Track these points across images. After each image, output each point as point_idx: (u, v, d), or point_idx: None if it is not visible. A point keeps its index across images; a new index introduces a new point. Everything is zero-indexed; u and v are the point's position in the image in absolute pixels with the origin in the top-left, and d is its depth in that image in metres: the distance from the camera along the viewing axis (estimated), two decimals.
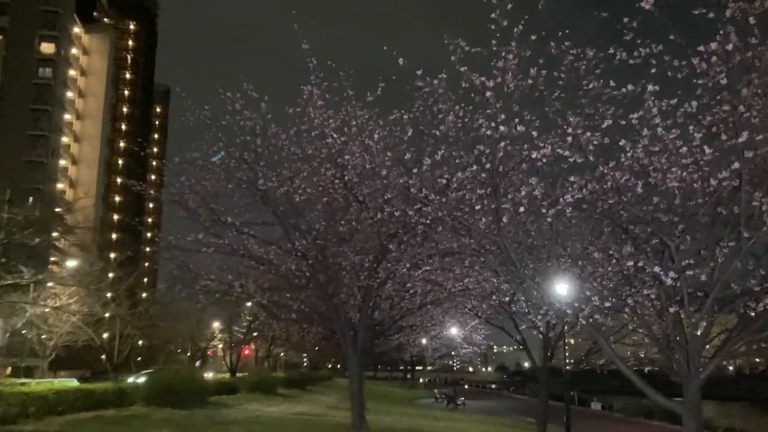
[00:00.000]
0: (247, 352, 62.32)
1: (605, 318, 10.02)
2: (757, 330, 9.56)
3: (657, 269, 8.38)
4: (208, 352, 60.74)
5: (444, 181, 10.25)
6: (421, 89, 10.17)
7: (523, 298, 21.11)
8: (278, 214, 14.84)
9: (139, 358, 51.99)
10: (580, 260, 10.35)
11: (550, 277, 10.60)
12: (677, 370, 10.81)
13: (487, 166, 9.74)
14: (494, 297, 11.98)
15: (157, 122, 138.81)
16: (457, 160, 10.02)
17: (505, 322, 21.96)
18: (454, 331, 40.45)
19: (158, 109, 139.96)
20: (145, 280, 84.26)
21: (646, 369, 39.83)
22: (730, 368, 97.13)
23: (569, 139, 8.34)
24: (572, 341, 32.64)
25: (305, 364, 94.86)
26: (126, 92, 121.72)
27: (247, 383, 30.53)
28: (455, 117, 9.73)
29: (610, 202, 8.87)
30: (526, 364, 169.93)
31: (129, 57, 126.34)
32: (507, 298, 20.69)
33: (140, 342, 44.96)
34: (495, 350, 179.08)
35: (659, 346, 11.60)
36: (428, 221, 11.35)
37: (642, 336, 14.23)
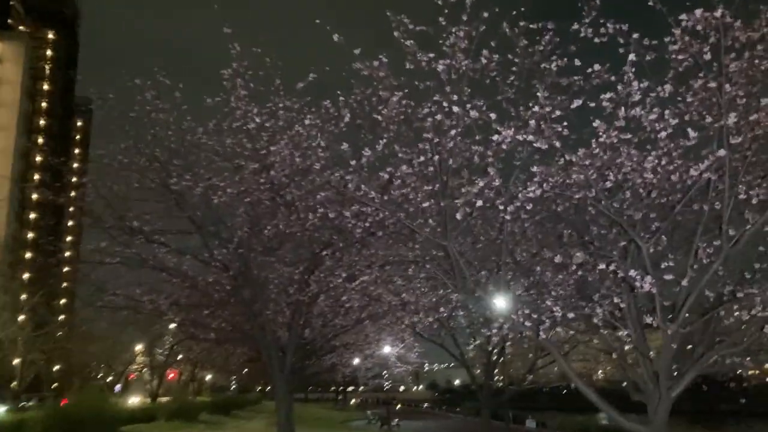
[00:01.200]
0: (172, 375, 59.16)
1: (565, 331, 8.86)
2: (735, 342, 8.64)
3: (633, 273, 7.27)
4: (131, 376, 57.52)
5: (386, 176, 8.88)
6: (360, 72, 8.81)
7: (463, 313, 20.03)
8: (195, 220, 13.13)
9: (55, 384, 48.12)
10: (538, 266, 9.20)
11: (504, 286, 9.41)
12: (642, 388, 9.81)
13: (435, 158, 8.46)
14: (441, 309, 10.66)
15: (77, 136, 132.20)
16: (400, 154, 8.68)
17: (445, 338, 20.88)
18: (387, 349, 39.16)
19: (79, 123, 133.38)
20: (63, 301, 79.22)
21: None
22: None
23: (532, 123, 7.14)
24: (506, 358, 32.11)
25: (233, 387, 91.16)
26: (43, 104, 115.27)
27: (167, 410, 28.12)
28: (399, 103, 8.42)
29: (576, 196, 7.73)
30: (457, 382, 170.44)
31: (47, 67, 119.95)
32: (445, 314, 19.64)
33: (55, 367, 41.60)
34: (426, 368, 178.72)
35: (619, 362, 10.60)
36: (367, 224, 9.97)
37: (596, 350, 13.36)
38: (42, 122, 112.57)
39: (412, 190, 9.41)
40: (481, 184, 7.35)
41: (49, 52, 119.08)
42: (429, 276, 11.91)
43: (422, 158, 8.48)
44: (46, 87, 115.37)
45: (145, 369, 52.35)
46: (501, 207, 7.96)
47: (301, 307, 14.19)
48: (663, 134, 7.05)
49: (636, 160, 7.42)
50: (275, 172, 10.19)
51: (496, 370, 20.33)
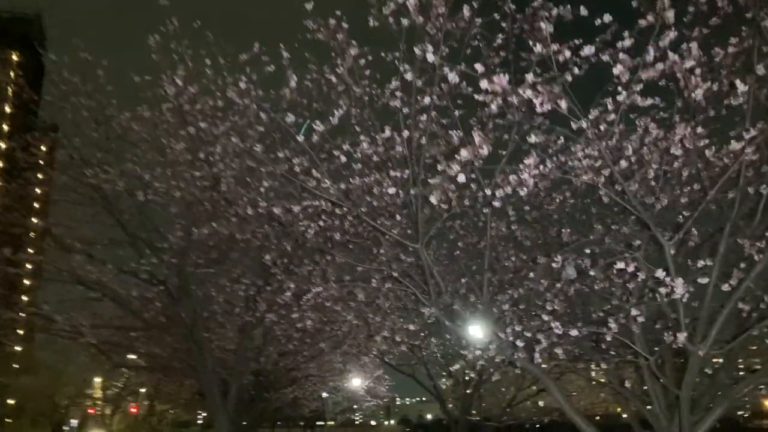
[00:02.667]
0: (134, 410, 55.94)
1: (565, 352, 7.07)
2: None
3: (660, 273, 5.50)
4: (92, 411, 54.08)
5: (343, 159, 7.08)
6: (312, 32, 7.06)
7: (435, 341, 18.13)
8: (124, 225, 11.14)
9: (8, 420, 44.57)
10: (531, 273, 7.43)
11: (487, 299, 7.64)
12: (653, 424, 8.04)
13: (404, 134, 6.70)
14: (411, 328, 8.74)
15: (41, 161, 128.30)
16: (359, 129, 6.91)
17: (416, 369, 18.93)
18: (356, 383, 36.99)
19: (43, 148, 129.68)
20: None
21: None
22: (624, 415, 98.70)
23: (529, 77, 5.39)
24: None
25: (199, 421, 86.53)
26: (5, 127, 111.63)
27: None
28: (358, 59, 6.68)
29: (584, 178, 6.00)
30: (429, 416, 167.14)
31: (10, 89, 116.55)
32: (417, 334, 17.71)
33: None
34: (398, 402, 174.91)
35: (621, 393, 8.84)
36: (321, 225, 8.15)
37: (584, 381, 11.57)
38: (3, 145, 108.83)
39: (375, 181, 7.66)
40: (464, 154, 5.53)
41: (12, 74, 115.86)
42: (397, 289, 10.13)
43: (388, 133, 6.71)
44: (7, 109, 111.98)
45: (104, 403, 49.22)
46: (487, 192, 6.18)
47: (249, 330, 12.20)
48: (699, 93, 5.38)
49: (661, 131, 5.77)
50: (212, 158, 8.32)
51: (472, 404, 18.39)
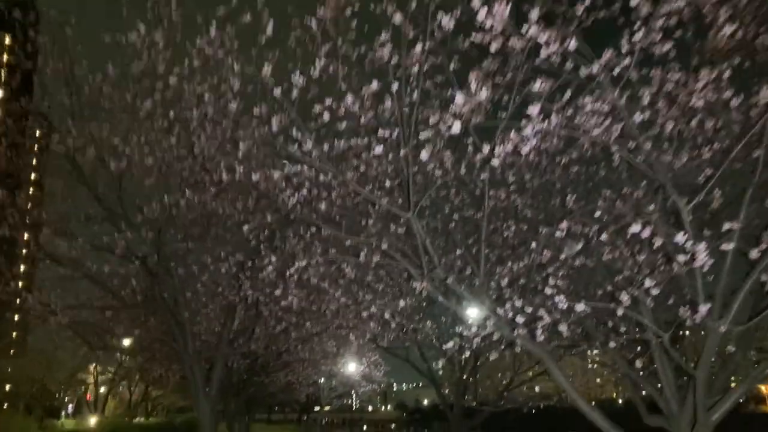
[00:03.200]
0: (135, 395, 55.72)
1: (570, 329, 6.43)
2: None
3: (680, 237, 4.85)
4: (88, 397, 53.82)
5: (326, 117, 6.38)
6: None
7: (431, 324, 17.51)
8: (100, 198, 10.47)
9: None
10: (533, 242, 6.78)
11: (485, 272, 7.00)
12: (663, 409, 7.44)
13: (394, 86, 6.03)
14: (401, 304, 8.06)
15: (35, 146, 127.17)
16: (343, 81, 6.21)
17: (411, 352, 18.37)
18: (352, 368, 36.54)
19: (37, 133, 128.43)
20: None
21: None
22: (620, 401, 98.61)
23: (533, 14, 4.70)
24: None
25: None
26: None
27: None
28: (342, 12, 6.00)
29: (595, 133, 5.34)
30: (426, 402, 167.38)
31: (3, 73, 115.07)
32: (412, 325, 17.09)
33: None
34: (395, 388, 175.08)
35: (632, 375, 8.24)
36: (304, 193, 7.50)
37: (592, 363, 10.95)
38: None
39: (362, 145, 7.01)
40: (459, 101, 4.85)
41: (5, 57, 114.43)
42: (386, 264, 9.51)
43: (375, 86, 6.03)
44: (0, 93, 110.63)
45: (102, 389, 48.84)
46: (484, 150, 5.52)
47: (233, 310, 11.57)
48: (726, 31, 4.71)
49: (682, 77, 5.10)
50: (187, 120, 7.63)
51: (467, 389, 17.84)
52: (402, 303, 6.94)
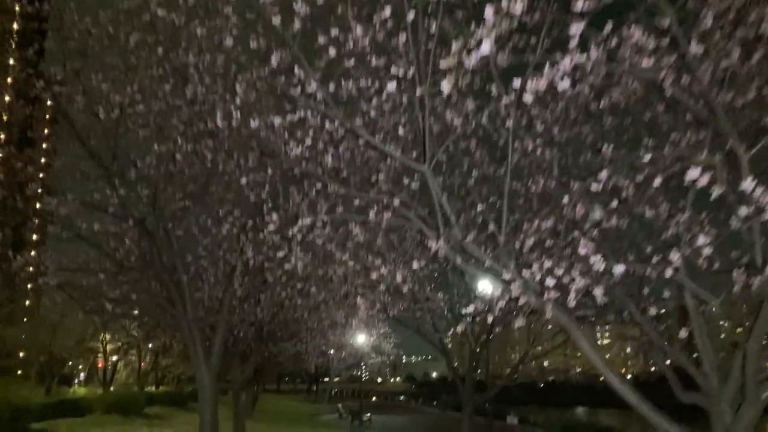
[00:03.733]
0: (142, 364, 55.87)
1: (607, 295, 5.70)
2: None
3: (750, 186, 4.10)
4: (100, 365, 54.06)
5: (332, 51, 5.63)
6: None
7: (442, 296, 16.90)
8: (93, 153, 9.80)
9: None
10: (565, 196, 6.04)
11: (509, 231, 6.28)
12: (702, 386, 6.74)
13: (410, 16, 5.26)
14: (414, 266, 7.32)
15: (47, 116, 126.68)
16: (352, 13, 5.45)
17: (421, 322, 17.77)
18: (361, 339, 36.21)
19: (49, 102, 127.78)
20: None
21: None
22: (628, 376, 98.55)
23: None
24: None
25: None
26: (9, 80, 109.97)
27: (104, 402, 24.64)
28: None
29: (644, 65, 4.55)
30: (435, 374, 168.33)
31: (13, 42, 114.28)
32: (426, 294, 16.46)
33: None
34: (404, 360, 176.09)
35: (664, 348, 7.53)
36: (308, 143, 6.79)
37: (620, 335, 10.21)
38: (7, 98, 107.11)
39: (372, 86, 6.27)
40: (489, 16, 4.08)
41: (15, 26, 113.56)
42: (398, 224, 8.81)
43: (388, 12, 5.25)
44: (11, 62, 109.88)
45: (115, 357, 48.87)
46: (515, 86, 4.76)
47: (234, 275, 10.95)
48: None
49: None
50: (181, 60, 6.90)
51: (479, 362, 17.26)
52: (415, 265, 6.25)
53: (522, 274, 5.72)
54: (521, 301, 5.43)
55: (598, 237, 6.10)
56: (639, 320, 7.51)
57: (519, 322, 5.64)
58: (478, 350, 16.49)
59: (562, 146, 7.13)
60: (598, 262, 5.22)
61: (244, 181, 7.23)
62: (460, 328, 5.24)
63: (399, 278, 6.04)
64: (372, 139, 6.36)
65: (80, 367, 62.71)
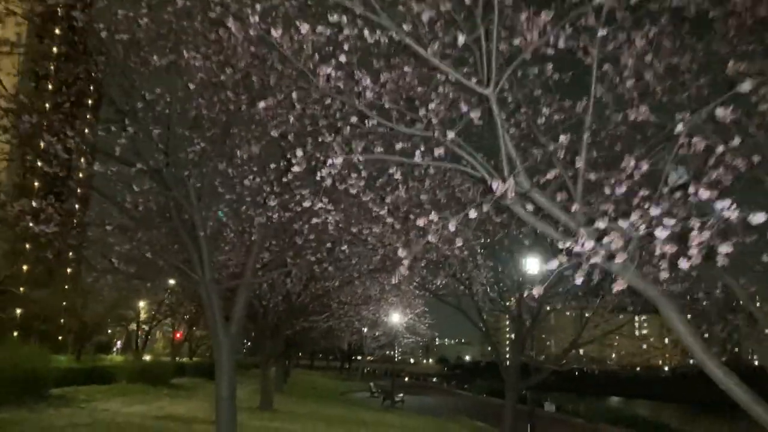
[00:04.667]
0: (178, 335, 56.11)
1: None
2: None
3: None
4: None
5: None
6: None
7: (485, 275, 15.47)
8: (97, 82, 8.73)
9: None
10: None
11: (584, 187, 4.96)
12: None
13: None
14: (473, 213, 5.94)
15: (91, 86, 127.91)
16: None
17: (463, 299, 16.42)
18: (396, 318, 35.13)
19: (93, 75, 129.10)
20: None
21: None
22: (665, 368, 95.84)
23: None
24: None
25: (245, 350, 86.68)
26: (54, 49, 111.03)
27: (131, 370, 24.06)
28: None
29: None
30: (467, 358, 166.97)
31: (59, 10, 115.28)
32: (465, 275, 15.08)
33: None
34: (437, 342, 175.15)
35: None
36: (343, 59, 5.52)
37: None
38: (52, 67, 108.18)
39: None
40: None
41: None
42: (446, 181, 7.56)
43: None
44: (57, 31, 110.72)
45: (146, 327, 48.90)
46: None
47: (260, 234, 9.77)
48: None
49: None
50: None
51: (525, 345, 15.87)
52: (473, 213, 4.89)
53: (607, 236, 4.32)
54: (594, 260, 4.05)
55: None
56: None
57: (621, 282, 4.23)
58: (525, 331, 15.09)
59: (661, 76, 5.68)
60: (726, 209, 3.81)
61: (262, 106, 5.94)
62: (537, 291, 4.14)
63: (452, 227, 4.69)
64: (423, 52, 5.03)
65: (116, 336, 63.32)
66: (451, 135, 5.27)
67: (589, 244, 4.27)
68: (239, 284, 10.04)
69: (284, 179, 7.11)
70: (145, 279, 12.49)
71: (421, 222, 4.80)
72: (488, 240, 11.63)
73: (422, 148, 6.14)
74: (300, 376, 54.87)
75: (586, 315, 15.57)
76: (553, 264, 4.00)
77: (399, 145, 6.44)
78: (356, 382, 64.40)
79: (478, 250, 12.33)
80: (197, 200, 9.29)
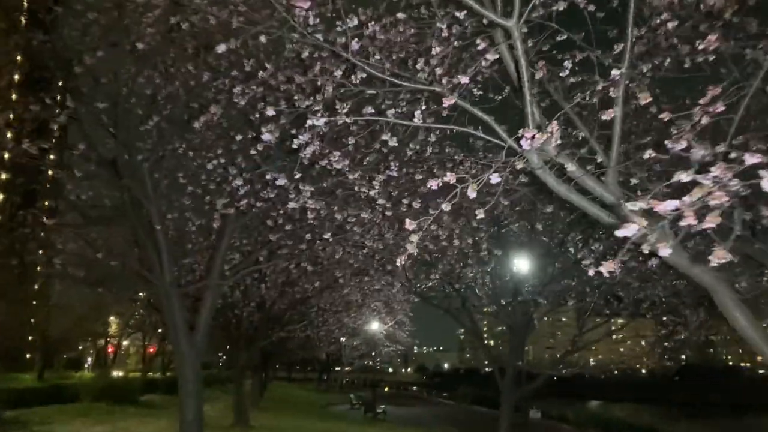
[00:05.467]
0: (151, 349, 54.30)
1: None
2: None
3: None
4: (111, 349, 52.50)
5: None
6: None
7: (479, 271, 14.35)
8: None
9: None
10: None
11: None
12: None
13: None
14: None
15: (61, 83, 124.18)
16: None
17: (451, 302, 15.28)
18: (375, 326, 33.92)
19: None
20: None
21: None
22: (643, 371, 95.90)
23: None
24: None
25: (220, 363, 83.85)
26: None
27: (93, 389, 22.43)
28: None
29: None
30: (446, 365, 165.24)
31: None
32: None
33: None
34: (415, 350, 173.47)
35: None
36: None
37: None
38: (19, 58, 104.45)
39: None
40: None
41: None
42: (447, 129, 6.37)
43: None
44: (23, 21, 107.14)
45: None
46: None
47: (226, 227, 8.53)
48: None
49: None
50: None
51: (519, 351, 14.80)
52: (495, 178, 3.74)
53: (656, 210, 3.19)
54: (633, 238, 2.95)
55: None
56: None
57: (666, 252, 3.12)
58: (520, 336, 13.99)
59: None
60: None
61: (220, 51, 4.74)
62: (610, 265, 3.25)
63: (472, 193, 3.55)
64: None
65: (91, 352, 61.11)
66: (465, 79, 4.13)
67: (634, 228, 3.12)
68: (205, 287, 8.75)
69: (252, 152, 5.89)
70: (97, 284, 11.14)
71: (433, 183, 3.64)
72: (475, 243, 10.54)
73: (421, 108, 5.03)
74: (277, 389, 53.15)
75: (584, 317, 14.58)
76: (630, 229, 2.84)
77: (392, 112, 5.34)
78: (335, 393, 62.77)
79: (464, 259, 11.29)
80: (153, 190, 8.02)
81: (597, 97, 4.37)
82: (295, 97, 5.12)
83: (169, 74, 7.06)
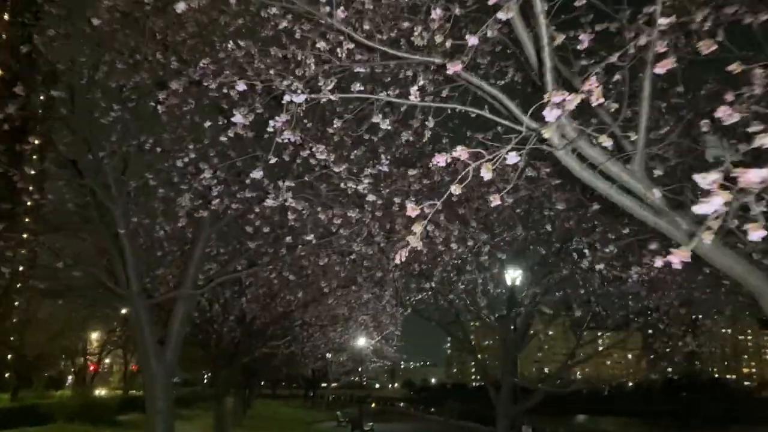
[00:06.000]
0: (134, 366, 53.10)
1: None
2: None
3: None
4: (93, 367, 51.13)
5: None
6: None
7: (477, 278, 13.66)
8: None
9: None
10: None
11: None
12: None
13: None
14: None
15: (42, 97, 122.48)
16: None
17: (442, 315, 14.56)
18: (362, 342, 33.11)
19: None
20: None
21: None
22: (629, 384, 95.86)
23: None
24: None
25: (205, 380, 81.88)
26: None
27: (68, 409, 21.39)
28: None
29: None
30: (433, 380, 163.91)
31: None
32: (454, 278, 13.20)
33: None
34: (402, 366, 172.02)
35: None
36: None
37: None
38: None
39: None
40: None
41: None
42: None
43: None
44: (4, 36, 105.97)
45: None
46: None
47: (202, 230, 7.78)
48: None
49: None
50: None
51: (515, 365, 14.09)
52: (513, 158, 3.10)
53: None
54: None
55: None
56: None
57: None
58: (513, 349, 13.28)
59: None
60: None
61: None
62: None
63: (486, 174, 2.87)
64: None
65: (73, 370, 59.63)
66: (473, 39, 3.45)
67: (718, 201, 2.45)
68: (176, 297, 7.95)
69: (222, 138, 5.18)
70: (59, 297, 10.31)
71: (440, 159, 2.95)
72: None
73: (419, 82, 4.35)
74: (262, 407, 51.91)
75: (581, 329, 13.94)
76: (713, 203, 2.15)
77: (383, 94, 4.64)
78: (321, 411, 61.58)
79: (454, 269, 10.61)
80: (118, 191, 7.26)
81: (626, 65, 3.72)
82: (271, 72, 4.42)
83: (135, 62, 6.33)
